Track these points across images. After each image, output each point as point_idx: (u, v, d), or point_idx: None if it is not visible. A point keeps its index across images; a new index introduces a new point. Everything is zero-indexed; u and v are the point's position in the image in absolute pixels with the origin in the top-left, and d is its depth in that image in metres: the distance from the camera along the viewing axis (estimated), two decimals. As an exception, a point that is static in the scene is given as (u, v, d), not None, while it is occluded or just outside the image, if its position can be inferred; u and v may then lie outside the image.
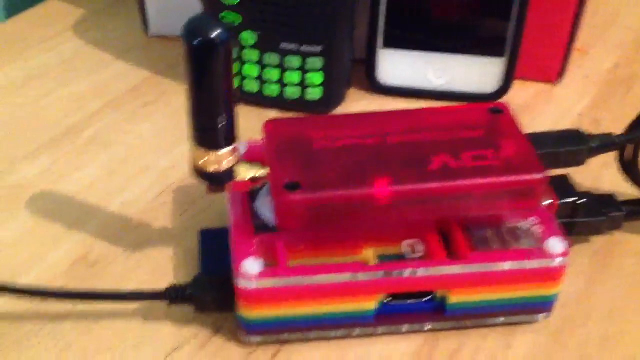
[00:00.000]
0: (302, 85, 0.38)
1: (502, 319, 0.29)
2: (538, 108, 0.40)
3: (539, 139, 0.29)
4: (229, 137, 0.26)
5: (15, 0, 0.46)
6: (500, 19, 0.38)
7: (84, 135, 0.37)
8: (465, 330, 0.29)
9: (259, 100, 0.39)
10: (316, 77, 0.38)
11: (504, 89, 0.40)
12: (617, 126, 0.31)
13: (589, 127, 0.37)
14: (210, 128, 0.26)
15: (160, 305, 0.28)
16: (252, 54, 0.37)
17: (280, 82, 0.38)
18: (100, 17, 0.46)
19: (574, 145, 0.29)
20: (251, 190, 0.29)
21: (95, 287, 0.29)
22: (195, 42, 0.24)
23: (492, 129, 0.29)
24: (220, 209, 0.32)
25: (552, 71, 0.42)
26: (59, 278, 0.30)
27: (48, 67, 0.42)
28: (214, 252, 0.30)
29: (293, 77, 0.38)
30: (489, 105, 0.30)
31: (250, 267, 0.26)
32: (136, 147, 0.37)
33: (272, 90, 0.38)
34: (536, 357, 0.28)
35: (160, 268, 0.31)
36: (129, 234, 0.32)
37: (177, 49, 0.41)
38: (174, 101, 0.40)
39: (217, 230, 0.31)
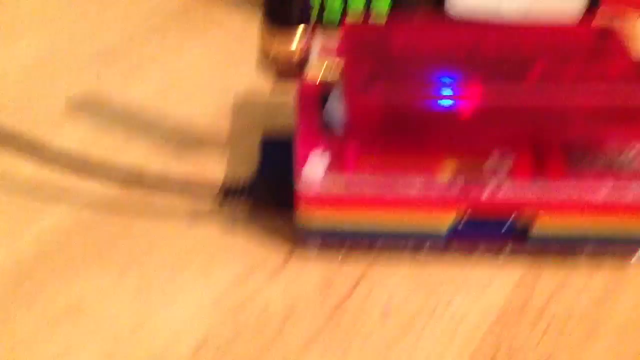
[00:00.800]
0: (367, 8, 0.35)
1: (592, 253, 0.26)
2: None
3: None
4: (305, 15, 0.24)
5: None
6: None
7: (134, 54, 0.34)
8: (564, 264, 0.26)
9: (320, 17, 0.35)
10: (384, 3, 0.35)
11: (589, 13, 0.36)
12: None
13: None
14: (285, 4, 0.23)
15: (225, 229, 0.26)
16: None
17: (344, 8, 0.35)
18: None
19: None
20: (322, 90, 0.27)
21: (153, 200, 0.27)
22: None
23: (600, 49, 0.26)
24: (283, 125, 0.30)
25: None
26: (114, 189, 0.27)
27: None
28: (275, 160, 0.28)
29: (358, 2, 0.35)
30: (598, 27, 0.27)
31: (314, 170, 0.24)
32: (188, 68, 0.34)
33: (334, 3, 0.35)
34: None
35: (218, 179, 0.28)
36: (185, 154, 0.29)
37: None
38: (226, 25, 0.37)
39: (279, 138, 0.28)
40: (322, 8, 0.35)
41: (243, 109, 0.31)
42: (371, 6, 0.35)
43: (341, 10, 0.35)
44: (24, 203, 0.27)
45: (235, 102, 0.32)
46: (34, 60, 0.34)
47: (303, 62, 0.25)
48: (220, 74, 0.33)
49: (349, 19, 0.27)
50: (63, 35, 0.35)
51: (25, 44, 0.35)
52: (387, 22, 0.34)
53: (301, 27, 0.24)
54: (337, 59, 0.26)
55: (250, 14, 0.37)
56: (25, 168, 0.27)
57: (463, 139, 0.25)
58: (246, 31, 0.36)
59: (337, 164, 0.24)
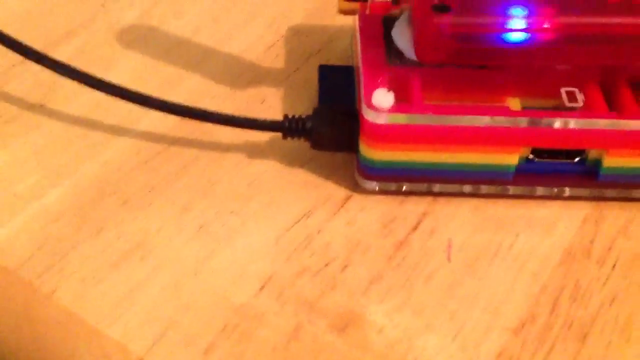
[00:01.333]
0: None
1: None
2: None
3: None
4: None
5: None
6: None
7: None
8: (631, 202, 0.25)
9: None
10: None
11: None
12: None
13: None
14: None
15: (286, 165, 0.26)
16: None
17: None
18: None
19: None
20: (388, 17, 0.26)
21: (212, 133, 0.27)
22: None
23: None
24: (340, 55, 0.29)
25: None
26: (173, 122, 0.27)
27: None
28: (335, 89, 0.27)
29: None
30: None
31: (381, 99, 0.23)
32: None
33: None
34: None
35: (277, 112, 0.27)
36: (242, 84, 0.29)
37: None
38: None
39: (338, 67, 0.28)
40: None
41: (298, 36, 0.30)
42: None
43: None
44: (83, 136, 0.26)
45: (290, 30, 0.31)
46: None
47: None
48: (273, 0, 0.32)
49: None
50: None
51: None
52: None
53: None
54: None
55: None
56: (83, 99, 0.27)
57: (534, 73, 0.24)
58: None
59: (403, 95, 0.24)
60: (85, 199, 0.25)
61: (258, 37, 0.30)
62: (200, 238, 0.24)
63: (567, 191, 0.25)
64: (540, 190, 0.25)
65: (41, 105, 0.27)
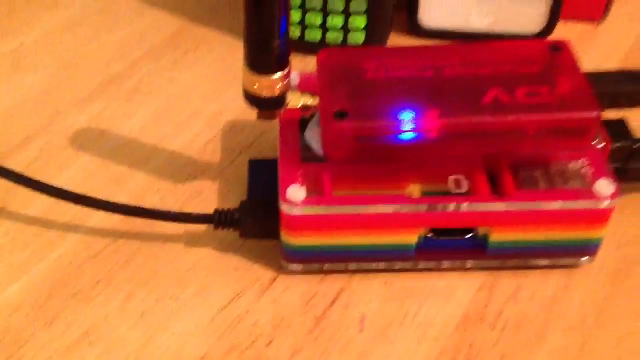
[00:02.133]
0: (345, 29, 0.37)
1: (545, 261, 0.29)
2: (583, 48, 0.39)
3: (598, 78, 0.28)
4: (283, 62, 0.26)
5: None
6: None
7: (129, 83, 0.37)
8: (520, 271, 0.29)
9: (299, 46, 0.37)
10: (359, 20, 0.37)
11: (548, 30, 0.39)
12: None
13: (636, 67, 0.36)
14: (266, 51, 0.26)
15: (219, 252, 0.29)
16: (294, -1, 0.37)
17: (323, 26, 0.38)
18: None
19: (634, 84, 0.28)
20: (301, 120, 0.29)
21: (152, 228, 0.30)
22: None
23: (551, 65, 0.28)
24: (270, 148, 0.32)
25: (597, 10, 0.41)
26: (117, 219, 0.30)
27: (87, 15, 0.42)
28: (262, 181, 0.31)
29: (336, 21, 0.37)
30: (548, 42, 0.29)
31: (295, 193, 0.27)
32: (182, 94, 0.37)
33: (314, 35, 0.38)
34: (595, 297, 0.28)
35: (212, 203, 0.31)
36: (182, 178, 0.32)
37: None
38: (213, 49, 0.39)
39: (265, 161, 0.31)
40: (303, 26, 0.38)
41: (233, 132, 0.34)
42: (349, 22, 0.37)
43: (320, 28, 0.38)
44: (38, 235, 0.30)
45: (225, 126, 0.35)
46: (38, 93, 0.36)
47: (283, 95, 0.28)
48: (211, 99, 0.36)
49: (324, 49, 0.29)
50: (62, 69, 0.38)
51: (29, 79, 0.37)
52: (359, 48, 0.37)
53: (280, 73, 0.26)
54: (314, 89, 0.28)
55: (238, 36, 0.39)
56: (38, 203, 0.31)
57: (427, 163, 0.28)
58: (234, 55, 0.38)
59: (316, 188, 0.27)
60: (41, 293, 0.28)
61: (197, 134, 0.34)
62: (142, 324, 0.27)
63: (463, 263, 0.29)
64: (440, 264, 0.29)
65: (2, 207, 0.31)
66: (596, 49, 0.40)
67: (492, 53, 0.29)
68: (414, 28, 0.40)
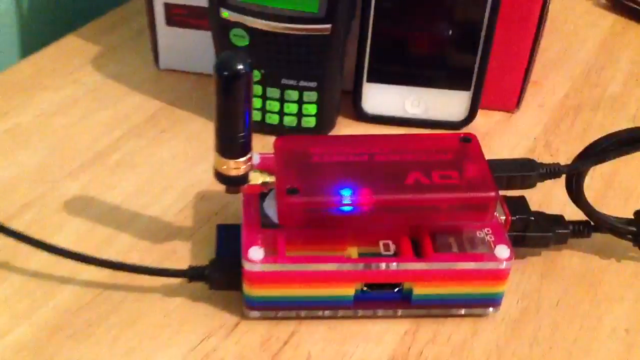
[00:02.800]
0: (299, 115, 0.45)
1: (459, 310, 0.35)
2: (499, 133, 0.47)
3: (498, 165, 0.36)
4: (246, 149, 0.33)
5: (38, 35, 0.53)
6: (468, 58, 0.45)
7: (113, 158, 0.43)
8: (439, 319, 0.35)
9: (261, 128, 0.45)
10: (311, 108, 0.44)
11: (470, 117, 0.47)
12: (566, 148, 0.37)
13: (542, 149, 0.45)
14: (233, 142, 0.33)
15: (191, 302, 0.35)
16: (256, 89, 0.44)
17: (281, 112, 0.45)
18: (116, 52, 0.52)
19: (526, 171, 0.36)
20: (261, 193, 0.36)
21: (135, 281, 0.36)
22: (225, 74, 0.31)
23: (461, 154, 0.36)
24: (234, 215, 0.38)
25: (511, 102, 0.49)
26: (105, 274, 0.36)
27: (76, 97, 0.48)
28: (227, 243, 0.37)
29: (292, 108, 0.44)
30: (460, 135, 0.36)
31: (255, 254, 0.33)
32: (160, 168, 0.43)
33: (273, 119, 0.45)
34: (499, 341, 0.34)
35: (185, 261, 0.37)
36: (160, 239, 0.38)
37: (185, 82, 0.50)
38: (187, 128, 0.46)
39: (231, 226, 0.37)
40: (263, 111, 0.45)
41: (203, 201, 0.41)
42: (302, 109, 0.44)
43: (278, 113, 0.45)
44: (38, 286, 0.35)
45: (197, 196, 0.41)
46: (33, 167, 0.42)
47: (247, 174, 0.34)
48: (185, 172, 0.43)
49: (279, 137, 0.36)
50: (55, 145, 0.44)
51: (25, 154, 0.43)
52: (308, 137, 0.43)
53: (244, 157, 0.33)
54: (271, 169, 0.35)
55: (209, 117, 0.46)
56: (38, 259, 0.36)
57: (363, 231, 0.35)
58: (205, 134, 0.45)
59: (272, 250, 0.34)
60: (41, 335, 0.33)
61: (172, 203, 0.41)
62: (127, 360, 0.32)
63: (395, 312, 0.35)
64: (375, 312, 0.35)
65: (6, 262, 0.36)
66: (511, 134, 0.48)
67: (415, 143, 0.36)
68: (359, 114, 0.47)
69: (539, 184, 0.37)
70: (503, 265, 0.34)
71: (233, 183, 0.34)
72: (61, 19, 0.57)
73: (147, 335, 0.34)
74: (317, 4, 0.41)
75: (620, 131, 0.35)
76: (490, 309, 0.35)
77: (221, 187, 0.34)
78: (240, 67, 0.31)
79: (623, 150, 0.35)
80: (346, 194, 0.33)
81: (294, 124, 0.45)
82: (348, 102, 0.47)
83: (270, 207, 0.35)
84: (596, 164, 0.35)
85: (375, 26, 0.45)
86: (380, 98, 0.47)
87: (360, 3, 0.44)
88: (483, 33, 0.44)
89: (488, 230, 0.35)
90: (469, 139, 0.36)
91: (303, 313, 0.35)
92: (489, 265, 0.34)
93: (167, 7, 0.48)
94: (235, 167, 0.33)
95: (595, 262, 0.39)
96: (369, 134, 0.39)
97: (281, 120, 0.45)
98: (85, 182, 0.42)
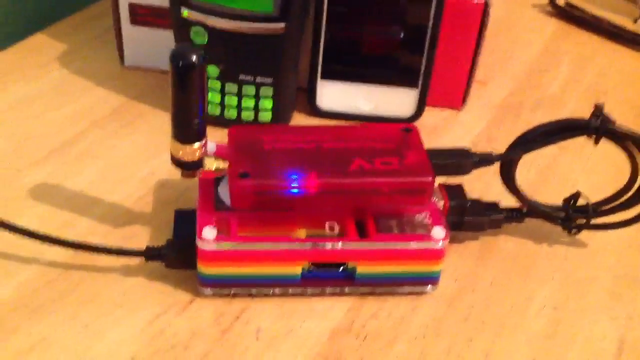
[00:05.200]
0: (256, 109, 0.47)
1: (400, 288, 0.38)
2: (446, 129, 0.50)
3: (436, 153, 0.38)
4: (201, 135, 0.35)
5: (6, 34, 0.55)
6: (415, 58, 0.48)
7: (77, 148, 0.45)
8: (382, 296, 0.38)
9: (220, 122, 0.47)
10: (267, 103, 0.47)
11: (418, 113, 0.49)
12: (507, 143, 0.39)
13: (485, 144, 0.48)
14: (188, 127, 0.35)
15: (148, 280, 0.37)
16: (215, 84, 0.46)
17: (239, 107, 0.47)
18: (82, 49, 0.55)
19: (461, 159, 0.39)
20: (216, 179, 0.38)
21: (96, 261, 0.38)
22: (180, 64, 0.33)
23: (402, 143, 0.38)
24: (192, 201, 0.41)
25: (457, 100, 0.52)
26: (69, 252, 0.38)
27: (42, 91, 0.50)
28: (184, 226, 0.39)
29: (249, 103, 0.47)
30: (401, 125, 0.39)
31: (209, 233, 0.35)
32: (122, 158, 0.45)
33: (231, 113, 0.47)
34: (435, 316, 0.37)
35: (144, 243, 0.39)
36: (120, 224, 0.40)
37: (148, 79, 0.53)
38: (149, 122, 0.48)
39: (188, 211, 0.39)
40: (222, 106, 0.47)
41: (163, 188, 0.43)
42: (259, 104, 0.47)
43: (236, 108, 0.47)
44: (2, 265, 0.37)
45: (157, 183, 0.43)
46: (1, 156, 0.45)
47: (201, 160, 0.36)
48: (146, 162, 0.45)
49: (234, 127, 0.38)
50: (22, 136, 0.46)
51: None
52: (260, 126, 0.46)
53: (199, 143, 0.35)
54: (226, 156, 0.37)
55: (169, 112, 0.48)
56: (3, 239, 0.38)
57: (308, 213, 0.37)
58: (166, 127, 0.46)
59: (225, 231, 0.36)
60: (2, 311, 0.35)
61: (133, 190, 0.43)
62: (85, 334, 0.35)
63: (341, 290, 0.38)
64: (324, 290, 0.37)
65: (-29, 244, 0.38)
66: (457, 130, 0.51)
67: (360, 133, 0.39)
68: (313, 110, 0.50)
69: (481, 175, 0.40)
70: (439, 245, 0.36)
71: (188, 167, 0.36)
72: (30, 19, 0.59)
73: (104, 312, 0.36)
74: (271, 3, 0.44)
75: (545, 123, 0.38)
76: (429, 286, 0.38)
77: (179, 174, 0.36)
78: (194, 58, 0.33)
79: (549, 140, 0.38)
80: (294, 178, 0.36)
81: (251, 118, 0.48)
82: (304, 98, 0.50)
83: (224, 191, 0.37)
84: (525, 152, 0.38)
85: (328, 26, 0.47)
86: (334, 95, 0.49)
87: (314, 4, 0.47)
88: (429, 35, 0.47)
89: (427, 214, 0.38)
90: (410, 130, 0.39)
91: (254, 291, 0.37)
92: (426, 245, 0.36)
93: (132, 6, 0.50)
94: (190, 152, 0.35)
95: (529, 245, 0.42)
96: (319, 124, 0.42)
97: (239, 114, 0.48)
98: (49, 170, 0.44)
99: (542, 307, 0.38)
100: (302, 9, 0.45)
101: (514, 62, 0.58)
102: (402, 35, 0.48)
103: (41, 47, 0.55)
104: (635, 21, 0.64)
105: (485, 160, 0.39)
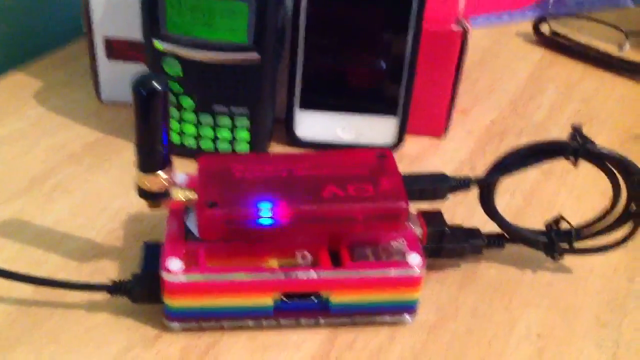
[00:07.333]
0: (232, 141, 0.46)
1: (377, 317, 0.36)
2: (428, 157, 0.49)
3: (412, 179, 0.37)
4: (165, 163, 0.34)
5: None
6: (393, 87, 0.47)
7: (49, 184, 0.45)
8: (358, 326, 0.36)
9: (196, 153, 0.44)
10: (244, 134, 0.46)
11: (398, 142, 0.49)
12: None
13: (468, 171, 0.47)
14: (151, 156, 0.34)
15: (114, 316, 0.36)
16: (190, 116, 0.46)
17: (214, 138, 0.46)
18: (60, 87, 0.54)
19: (437, 183, 0.37)
20: (185, 209, 0.37)
21: (62, 297, 0.36)
22: (142, 92, 0.32)
23: (376, 169, 0.37)
24: (163, 237, 0.40)
25: (439, 128, 0.51)
26: (33, 289, 0.37)
27: (17, 129, 0.49)
28: (153, 260, 0.38)
29: (224, 134, 0.46)
30: (376, 151, 0.38)
31: (174, 264, 0.34)
32: (94, 193, 0.44)
33: (207, 145, 0.47)
34: (415, 346, 0.36)
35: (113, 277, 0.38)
36: (90, 258, 0.39)
37: (125, 113, 0.52)
38: (124, 156, 0.47)
39: (157, 244, 0.38)
40: (198, 137, 0.46)
41: (133, 223, 0.42)
42: (235, 135, 0.46)
43: (213, 140, 0.46)
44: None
45: (128, 218, 0.42)
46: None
47: (166, 190, 0.35)
48: (118, 197, 0.44)
49: (203, 156, 0.38)
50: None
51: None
52: (231, 155, 0.45)
53: (163, 173, 0.34)
54: (194, 186, 0.36)
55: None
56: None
57: (280, 243, 0.36)
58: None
59: (192, 262, 0.35)
60: (-35, 349, 0.34)
61: (104, 224, 0.42)
62: (48, 371, 0.33)
63: (316, 321, 0.36)
64: (298, 321, 0.36)
65: None
66: (439, 158, 0.50)
67: (333, 159, 0.38)
68: (292, 139, 0.49)
69: (464, 200, 0.39)
70: (416, 272, 0.35)
71: (154, 198, 0.35)
72: (7, 56, 0.58)
73: (69, 349, 0.34)
74: (245, 34, 0.43)
75: (523, 145, 0.37)
76: (406, 315, 0.37)
77: (147, 206, 0.36)
78: (156, 86, 0.32)
79: (527, 163, 0.37)
80: (264, 207, 0.35)
81: (229, 149, 0.47)
82: (281, 128, 0.49)
83: (192, 221, 0.36)
84: (502, 175, 0.37)
85: (306, 56, 0.47)
86: (313, 124, 0.49)
87: (290, 33, 0.47)
88: (407, 63, 0.47)
89: (403, 241, 0.36)
90: (385, 155, 0.38)
91: (226, 324, 0.36)
92: (402, 272, 0.35)
93: (108, 41, 0.50)
94: (154, 181, 0.34)
95: (512, 272, 0.40)
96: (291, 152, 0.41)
97: (215, 146, 0.47)
98: (20, 207, 0.43)
99: (527, 335, 0.37)
100: (276, 39, 0.45)
101: (498, 90, 0.58)
102: (381, 64, 0.47)
103: (17, 85, 0.54)
104: (620, 48, 0.64)
105: (462, 184, 0.38)
